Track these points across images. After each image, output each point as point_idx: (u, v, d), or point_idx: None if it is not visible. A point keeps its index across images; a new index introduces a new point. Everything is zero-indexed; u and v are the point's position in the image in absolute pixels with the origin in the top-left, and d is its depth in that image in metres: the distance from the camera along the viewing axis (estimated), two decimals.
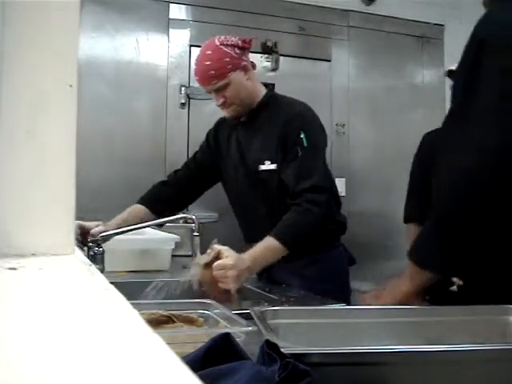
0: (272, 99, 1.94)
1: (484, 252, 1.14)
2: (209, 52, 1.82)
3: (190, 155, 3.12)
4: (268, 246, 1.70)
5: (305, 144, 1.78)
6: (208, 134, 2.16)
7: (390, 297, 1.24)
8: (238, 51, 1.85)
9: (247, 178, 1.94)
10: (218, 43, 1.83)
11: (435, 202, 1.18)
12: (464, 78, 1.15)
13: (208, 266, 1.58)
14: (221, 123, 2.10)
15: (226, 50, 1.82)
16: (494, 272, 1.19)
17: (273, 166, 1.84)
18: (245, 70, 1.86)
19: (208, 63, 1.80)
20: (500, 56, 1.11)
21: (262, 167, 1.86)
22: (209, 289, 1.59)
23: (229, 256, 1.59)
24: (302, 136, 1.78)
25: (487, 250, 1.15)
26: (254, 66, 1.95)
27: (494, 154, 1.09)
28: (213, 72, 1.80)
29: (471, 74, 1.13)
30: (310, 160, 1.79)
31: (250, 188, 1.94)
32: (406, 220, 2.28)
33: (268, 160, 1.85)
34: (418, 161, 2.27)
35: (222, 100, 1.86)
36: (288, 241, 1.71)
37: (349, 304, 1.65)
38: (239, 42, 1.86)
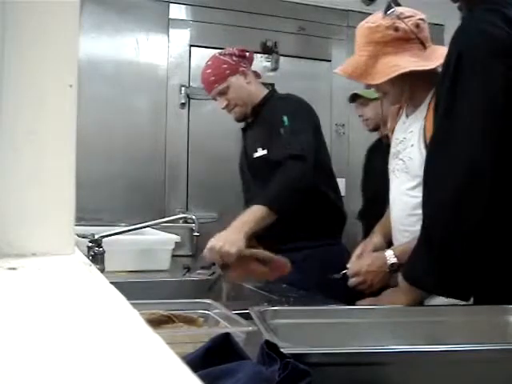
0: (271, 97, 2.09)
1: (476, 270, 1.15)
2: (209, 62, 2.07)
3: (190, 155, 3.14)
4: (251, 210, 1.78)
5: (286, 123, 1.90)
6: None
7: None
8: (235, 58, 2.06)
9: (249, 168, 2.10)
10: (217, 54, 2.08)
11: (425, 221, 1.19)
12: (445, 95, 1.17)
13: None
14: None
15: (223, 58, 2.05)
16: (488, 289, 1.19)
17: (264, 152, 1.98)
18: (244, 74, 2.06)
19: (209, 71, 2.04)
20: (477, 69, 1.12)
21: (256, 154, 2.01)
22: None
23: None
24: (284, 119, 1.92)
25: (479, 268, 1.15)
26: (258, 75, 2.15)
27: (480, 172, 1.11)
28: (213, 78, 2.03)
29: (451, 89, 1.15)
30: (292, 135, 1.89)
31: (252, 177, 2.08)
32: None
33: (260, 147, 2.00)
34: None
35: (225, 103, 2.06)
36: (271, 200, 1.77)
37: (348, 302, 1.66)
38: (236, 52, 2.08)
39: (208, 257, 1.72)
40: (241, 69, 2.05)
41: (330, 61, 3.36)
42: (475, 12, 1.22)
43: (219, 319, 1.11)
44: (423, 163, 1.40)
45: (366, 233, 2.01)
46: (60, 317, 0.42)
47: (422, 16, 1.50)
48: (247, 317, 1.01)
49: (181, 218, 2.31)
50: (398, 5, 1.48)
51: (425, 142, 1.44)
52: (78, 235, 1.63)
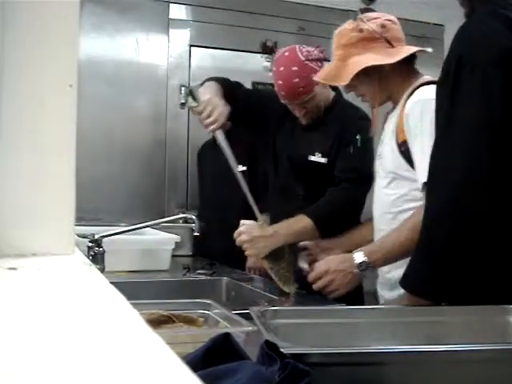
0: (338, 102, 1.99)
1: (473, 276, 1.15)
2: (295, 68, 1.84)
3: (190, 155, 3.13)
4: (297, 220, 1.74)
5: (358, 144, 1.84)
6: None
7: None
8: (320, 64, 1.89)
9: (294, 167, 1.99)
10: (303, 58, 1.86)
11: (422, 230, 1.19)
12: (445, 95, 1.16)
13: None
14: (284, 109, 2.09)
15: (312, 65, 1.86)
16: (485, 295, 1.19)
17: (323, 160, 1.88)
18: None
19: (296, 80, 1.82)
20: (476, 77, 1.12)
21: (312, 158, 1.91)
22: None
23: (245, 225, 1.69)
24: (357, 138, 1.84)
25: (476, 274, 1.15)
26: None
27: (477, 181, 1.10)
28: (301, 89, 1.83)
29: (452, 89, 1.14)
30: (360, 157, 1.83)
31: (295, 178, 1.98)
32: None
33: (319, 152, 1.90)
34: None
35: (303, 111, 1.91)
36: (319, 218, 1.73)
37: (359, 303, 1.65)
38: (321, 55, 1.93)
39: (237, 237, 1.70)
40: None
41: (329, 61, 3.35)
42: (477, 14, 1.21)
43: (219, 319, 1.11)
44: (395, 160, 1.44)
45: None
46: (60, 317, 0.42)
47: (392, 18, 1.52)
48: (247, 317, 1.01)
49: (181, 218, 2.31)
50: (368, 10, 1.54)
51: (396, 140, 1.44)
52: (78, 235, 1.62)
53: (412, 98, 1.43)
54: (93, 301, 0.48)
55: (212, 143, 2.82)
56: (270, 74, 3.19)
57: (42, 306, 0.45)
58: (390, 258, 1.39)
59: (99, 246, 1.75)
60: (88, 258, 1.53)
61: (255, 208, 1.79)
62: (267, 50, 3.20)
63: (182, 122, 3.10)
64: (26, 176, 0.66)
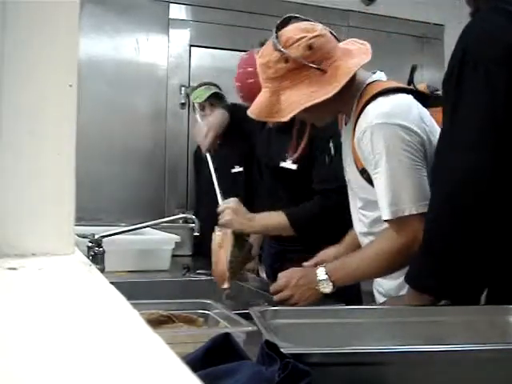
0: None
1: (473, 273, 1.15)
2: (250, 69, 1.83)
3: (190, 155, 3.13)
4: (276, 215, 1.74)
5: (332, 152, 1.80)
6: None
7: None
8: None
9: (270, 172, 2.01)
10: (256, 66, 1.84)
11: (424, 226, 1.19)
12: (450, 93, 1.16)
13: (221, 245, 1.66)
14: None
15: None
16: (486, 292, 1.19)
17: (293, 167, 1.87)
18: None
19: (251, 81, 1.81)
20: (479, 74, 1.11)
21: (283, 164, 1.90)
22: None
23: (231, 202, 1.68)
24: (330, 146, 1.80)
25: (476, 272, 1.15)
26: None
27: (477, 181, 1.10)
28: (258, 90, 1.79)
29: (456, 87, 1.13)
30: (336, 168, 1.75)
31: (276, 181, 2.00)
32: None
33: (290, 159, 1.88)
34: None
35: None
36: (295, 221, 1.73)
37: (358, 303, 1.65)
38: None
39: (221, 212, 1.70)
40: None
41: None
42: (480, 12, 1.20)
43: (219, 319, 1.11)
44: (362, 186, 1.37)
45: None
46: (60, 317, 0.42)
47: (317, 27, 1.34)
48: (247, 317, 1.01)
49: (181, 218, 2.31)
50: (284, 25, 1.35)
51: (356, 166, 1.36)
52: (78, 235, 1.63)
53: (360, 121, 1.31)
54: (93, 301, 0.48)
55: None
56: None
57: (42, 306, 0.45)
58: (352, 278, 1.38)
59: (99, 245, 1.75)
60: (88, 258, 1.53)
61: (219, 194, 1.83)
62: None
63: (181, 121, 3.10)
64: (26, 176, 0.66)
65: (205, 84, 2.70)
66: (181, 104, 3.05)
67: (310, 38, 1.29)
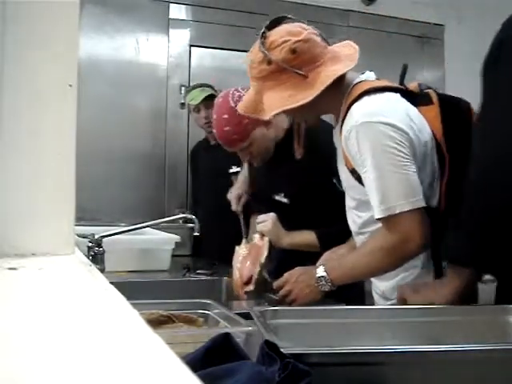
0: (288, 140, 1.88)
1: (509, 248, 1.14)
2: (226, 116, 1.76)
3: (190, 155, 3.13)
4: (307, 234, 1.77)
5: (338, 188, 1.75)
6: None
7: (428, 297, 1.21)
8: None
9: (260, 203, 2.01)
10: (233, 104, 1.74)
11: (464, 199, 1.18)
12: (486, 79, 1.15)
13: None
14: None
15: None
16: None
17: (285, 200, 1.85)
18: (265, 124, 1.79)
19: (227, 129, 1.76)
20: None
21: (276, 197, 1.87)
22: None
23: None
24: (335, 182, 1.68)
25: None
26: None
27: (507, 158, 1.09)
28: (235, 136, 1.77)
29: (492, 74, 1.13)
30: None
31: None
32: None
33: (282, 193, 1.86)
34: None
35: (248, 157, 1.87)
36: (325, 242, 1.72)
37: (360, 303, 1.65)
38: None
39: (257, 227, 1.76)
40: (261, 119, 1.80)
41: None
42: None
43: (219, 319, 1.11)
44: (353, 187, 1.37)
45: None
46: (60, 317, 0.42)
47: (304, 32, 1.34)
48: (247, 317, 1.01)
49: (181, 218, 2.31)
50: (274, 26, 1.37)
51: (347, 166, 1.37)
52: (78, 235, 1.62)
53: (346, 121, 1.32)
54: (93, 301, 0.48)
55: (205, 143, 2.83)
56: None
57: (42, 306, 0.45)
58: (348, 277, 1.39)
59: (99, 245, 1.75)
60: (88, 258, 1.53)
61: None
62: None
63: (181, 121, 3.10)
64: (26, 176, 0.66)
65: (200, 86, 2.70)
66: (181, 104, 3.05)
67: (294, 42, 1.31)
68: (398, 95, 1.35)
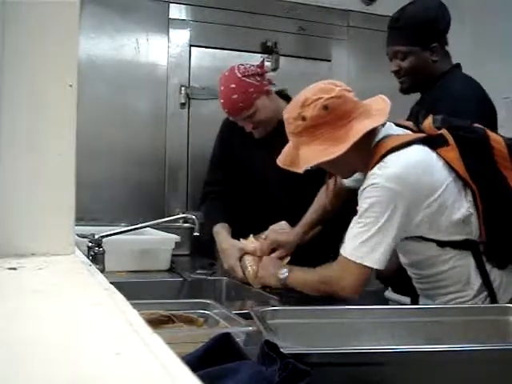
0: None
1: None
2: (233, 85, 1.94)
3: (190, 155, 3.13)
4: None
5: None
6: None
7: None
8: (258, 78, 1.98)
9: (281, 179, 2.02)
10: (239, 75, 1.94)
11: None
12: None
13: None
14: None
15: (249, 81, 1.95)
16: None
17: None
18: (267, 93, 1.99)
19: (235, 97, 1.92)
20: None
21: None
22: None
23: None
24: None
25: None
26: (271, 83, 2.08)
27: None
28: (241, 104, 1.93)
29: None
30: None
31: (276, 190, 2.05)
32: None
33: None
34: None
35: (251, 126, 2.00)
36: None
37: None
38: (258, 70, 1.99)
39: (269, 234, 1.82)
40: (265, 88, 1.99)
41: (329, 61, 3.35)
42: None
43: (219, 319, 1.11)
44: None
45: None
46: (60, 316, 0.43)
47: (336, 90, 1.39)
48: (247, 317, 1.01)
49: (181, 218, 2.31)
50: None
51: None
52: (78, 235, 1.62)
53: (366, 179, 1.38)
54: (93, 301, 0.48)
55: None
56: (270, 73, 3.20)
57: (42, 306, 0.45)
58: (299, 287, 1.52)
59: (99, 246, 1.75)
60: (88, 258, 1.53)
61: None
62: (267, 50, 3.20)
63: (182, 121, 3.10)
64: (26, 176, 0.66)
65: None
66: (181, 104, 3.05)
67: (327, 99, 1.37)
68: (417, 149, 1.38)
